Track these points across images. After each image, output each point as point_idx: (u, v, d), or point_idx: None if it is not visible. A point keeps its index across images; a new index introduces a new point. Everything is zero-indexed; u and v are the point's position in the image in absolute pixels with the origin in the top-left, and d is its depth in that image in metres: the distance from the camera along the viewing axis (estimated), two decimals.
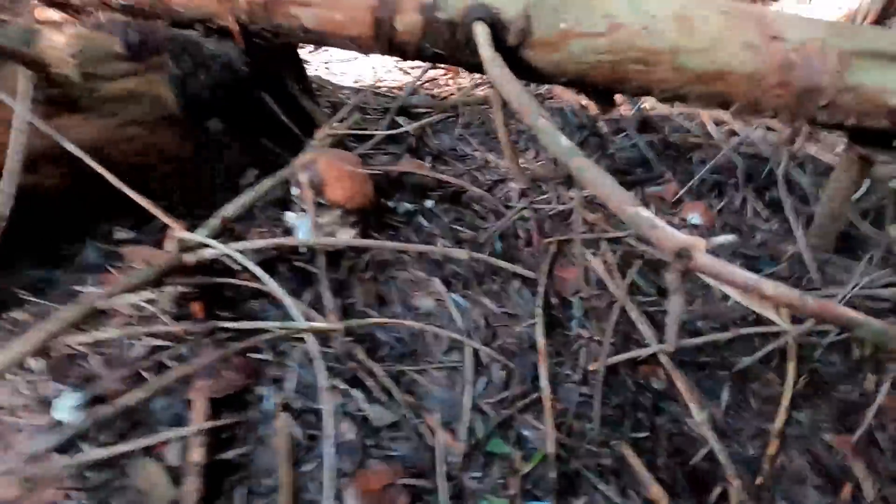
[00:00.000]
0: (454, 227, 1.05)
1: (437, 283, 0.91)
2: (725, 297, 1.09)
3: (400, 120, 1.48)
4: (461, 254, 0.85)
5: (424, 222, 1.04)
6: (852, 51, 0.80)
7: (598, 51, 0.85)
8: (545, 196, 1.19)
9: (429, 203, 1.09)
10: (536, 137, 1.44)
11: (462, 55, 0.90)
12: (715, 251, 0.45)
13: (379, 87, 1.82)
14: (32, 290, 0.79)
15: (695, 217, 1.28)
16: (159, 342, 0.72)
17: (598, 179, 0.54)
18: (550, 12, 0.85)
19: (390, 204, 1.06)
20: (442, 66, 1.55)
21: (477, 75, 1.73)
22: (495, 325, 0.87)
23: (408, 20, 0.87)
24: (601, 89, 0.90)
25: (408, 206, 1.06)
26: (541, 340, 0.84)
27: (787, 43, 0.79)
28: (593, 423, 0.76)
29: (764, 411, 0.85)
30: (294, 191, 0.92)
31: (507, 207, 1.13)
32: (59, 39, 0.81)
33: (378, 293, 0.90)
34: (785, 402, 0.83)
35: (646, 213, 0.49)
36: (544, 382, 0.78)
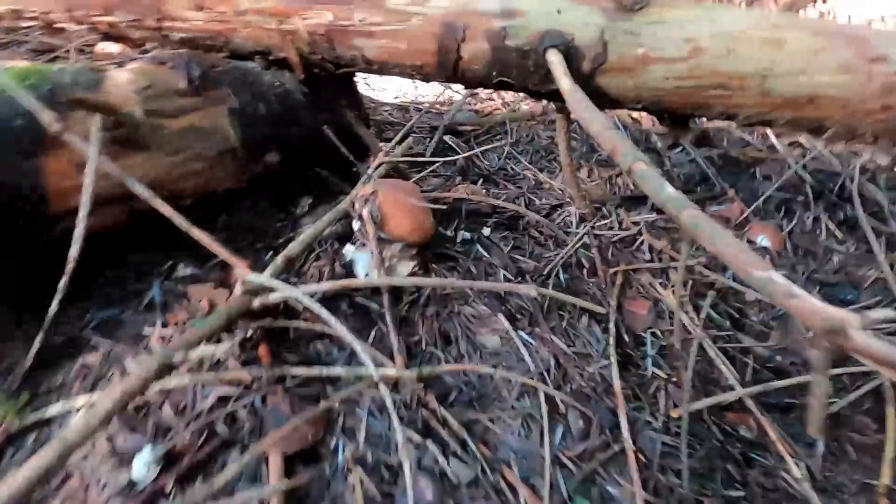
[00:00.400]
0: (514, 255, 1.01)
1: (503, 320, 0.87)
2: (806, 329, 1.02)
3: (447, 139, 1.45)
4: (529, 290, 0.81)
5: (483, 252, 1.00)
6: None
7: (679, 76, 0.80)
8: (606, 221, 1.14)
9: (486, 231, 1.05)
10: (592, 154, 1.39)
11: (531, 83, 0.86)
12: (868, 326, 0.40)
13: (421, 104, 1.80)
14: (101, 332, 0.78)
15: (763, 239, 1.21)
16: (228, 389, 0.71)
17: (716, 236, 0.49)
18: (628, 37, 0.80)
19: (448, 233, 1.03)
20: None
21: None
22: (566, 366, 0.83)
23: (475, 48, 0.83)
24: (678, 114, 0.85)
25: (466, 234, 1.02)
26: (617, 384, 0.79)
27: (890, 64, 0.73)
28: (681, 478, 0.71)
29: (863, 463, 0.79)
30: (355, 224, 0.90)
31: (567, 233, 1.09)
32: (122, 78, 0.80)
33: (441, 330, 0.87)
34: (889, 453, 0.76)
35: (781, 280, 0.44)
36: (626, 433, 0.73)
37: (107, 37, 0.99)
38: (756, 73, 0.78)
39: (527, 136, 1.55)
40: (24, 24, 0.92)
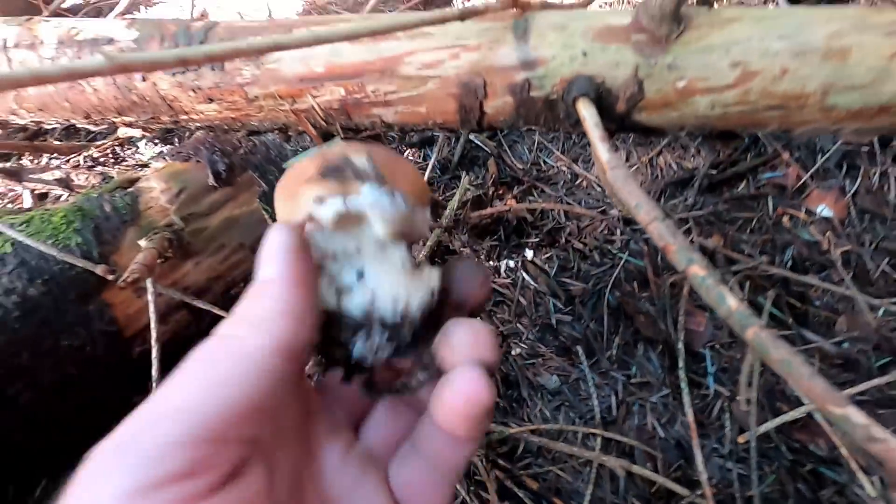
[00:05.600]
0: (560, 279, 1.00)
1: (556, 357, 0.89)
2: (873, 309, 0.98)
3: (474, 138, 1.40)
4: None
5: (530, 280, 1.00)
6: None
7: (727, 103, 0.73)
8: None
9: (528, 253, 1.04)
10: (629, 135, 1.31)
11: (564, 127, 0.81)
12: None
13: None
14: None
15: (824, 209, 1.13)
16: None
17: (787, 361, 0.48)
18: (666, 71, 0.73)
19: (491, 263, 1.03)
20: None
21: None
22: (628, 400, 0.85)
23: (498, 103, 0.78)
24: (727, 133, 0.79)
25: (510, 262, 1.02)
26: (690, 415, 0.81)
27: None
28: None
29: None
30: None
31: (611, 242, 1.06)
32: (156, 190, 0.81)
33: (500, 372, 0.90)
34: None
35: (860, 419, 0.43)
36: (702, 472, 0.75)
37: (133, 125, 0.99)
38: (817, 91, 0.70)
39: None
40: (49, 127, 0.93)
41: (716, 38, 0.69)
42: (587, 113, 0.71)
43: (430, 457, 0.35)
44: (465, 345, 0.34)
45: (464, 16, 0.69)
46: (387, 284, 0.38)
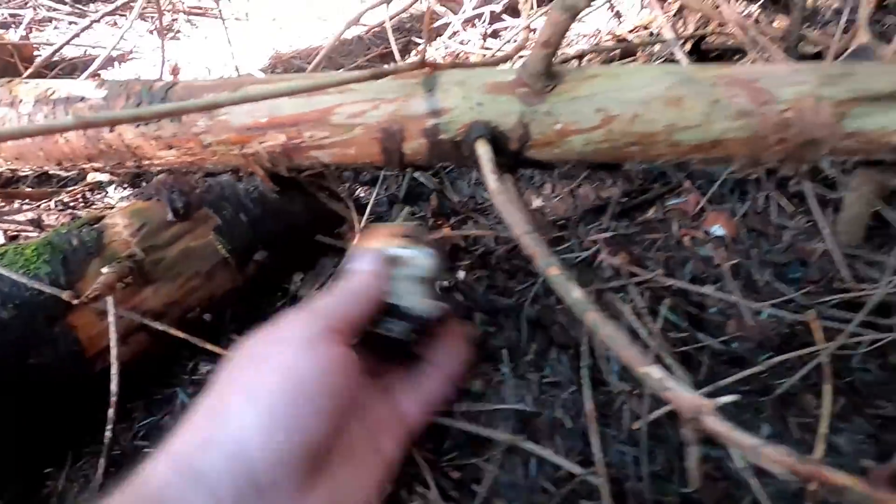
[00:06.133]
0: (489, 297, 1.13)
1: (482, 364, 1.01)
2: (757, 313, 1.13)
3: (418, 176, 1.55)
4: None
5: (461, 297, 1.13)
6: (847, 98, 0.81)
7: (596, 141, 0.89)
8: (568, 244, 1.25)
9: (461, 274, 1.17)
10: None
11: (468, 163, 0.96)
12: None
13: None
14: (150, 439, 0.94)
15: (718, 228, 1.30)
16: None
17: (611, 336, 0.61)
18: (545, 117, 0.90)
19: None
20: None
21: None
22: (541, 398, 0.96)
23: (414, 145, 0.94)
24: (604, 165, 0.95)
25: (445, 283, 1.14)
26: (589, 405, 0.93)
27: (779, 104, 0.82)
28: (643, 483, 0.85)
29: (805, 440, 0.91)
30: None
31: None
32: (119, 225, 0.93)
33: None
34: (822, 428, 0.89)
35: (657, 374, 0.56)
36: (596, 453, 0.87)
37: (101, 170, 1.10)
38: (663, 131, 0.88)
39: None
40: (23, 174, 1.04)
41: (582, 91, 0.87)
42: (483, 151, 0.87)
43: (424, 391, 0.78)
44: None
45: (380, 75, 0.86)
46: (416, 299, 0.73)
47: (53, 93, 0.98)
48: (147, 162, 1.03)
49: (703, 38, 1.74)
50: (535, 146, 0.88)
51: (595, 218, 1.34)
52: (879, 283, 1.08)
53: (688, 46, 1.73)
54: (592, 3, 2.04)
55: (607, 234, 1.25)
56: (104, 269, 0.83)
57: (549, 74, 0.85)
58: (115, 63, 2.33)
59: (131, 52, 2.38)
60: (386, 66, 0.82)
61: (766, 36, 1.45)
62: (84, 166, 1.04)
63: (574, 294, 0.64)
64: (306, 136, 0.93)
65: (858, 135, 0.81)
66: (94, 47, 2.38)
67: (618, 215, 1.35)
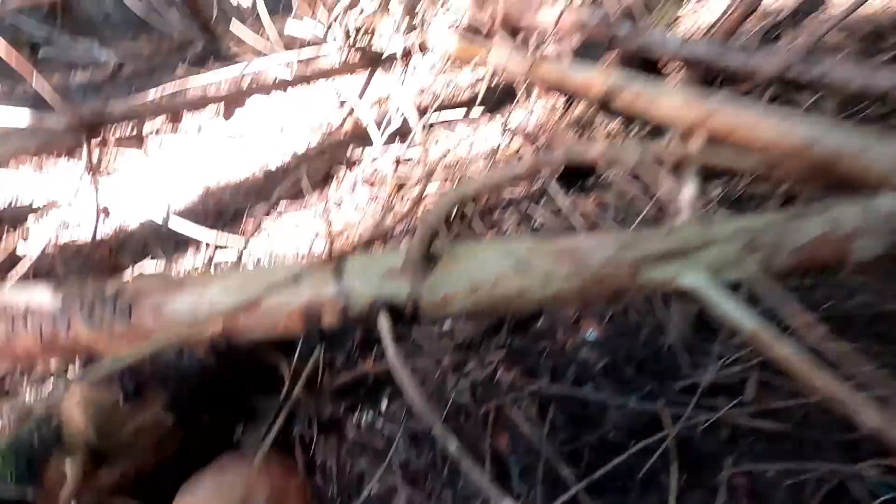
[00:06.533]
0: (409, 424, 1.34)
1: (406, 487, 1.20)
2: (621, 406, 1.41)
3: None
4: None
5: (384, 427, 1.33)
6: (642, 257, 1.14)
7: (472, 302, 1.16)
8: (471, 365, 1.50)
9: (384, 403, 1.38)
10: None
11: (374, 329, 1.20)
12: None
13: None
14: None
15: (592, 333, 1.61)
16: None
17: (466, 466, 0.84)
18: (430, 289, 1.17)
19: (355, 416, 1.34)
20: None
21: None
22: None
23: (331, 319, 1.17)
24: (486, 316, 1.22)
25: (367, 416, 1.34)
26: None
27: (592, 266, 1.13)
28: None
29: None
30: None
31: (444, 387, 1.43)
32: (75, 414, 1.07)
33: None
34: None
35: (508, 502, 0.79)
36: None
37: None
38: (516, 293, 1.16)
39: None
40: None
41: (458, 267, 1.15)
42: (383, 323, 1.13)
43: None
44: None
45: (298, 278, 1.10)
46: None
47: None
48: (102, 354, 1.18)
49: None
50: (425, 310, 1.14)
51: (496, 332, 1.61)
52: (708, 368, 1.41)
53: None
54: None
55: (504, 351, 1.51)
56: (67, 464, 0.96)
57: (428, 257, 1.13)
58: (48, 210, 2.44)
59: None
60: (301, 268, 1.07)
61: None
62: (32, 361, 1.18)
63: (453, 447, 0.88)
64: (241, 322, 1.14)
65: (650, 283, 1.14)
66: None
67: (513, 329, 1.62)
